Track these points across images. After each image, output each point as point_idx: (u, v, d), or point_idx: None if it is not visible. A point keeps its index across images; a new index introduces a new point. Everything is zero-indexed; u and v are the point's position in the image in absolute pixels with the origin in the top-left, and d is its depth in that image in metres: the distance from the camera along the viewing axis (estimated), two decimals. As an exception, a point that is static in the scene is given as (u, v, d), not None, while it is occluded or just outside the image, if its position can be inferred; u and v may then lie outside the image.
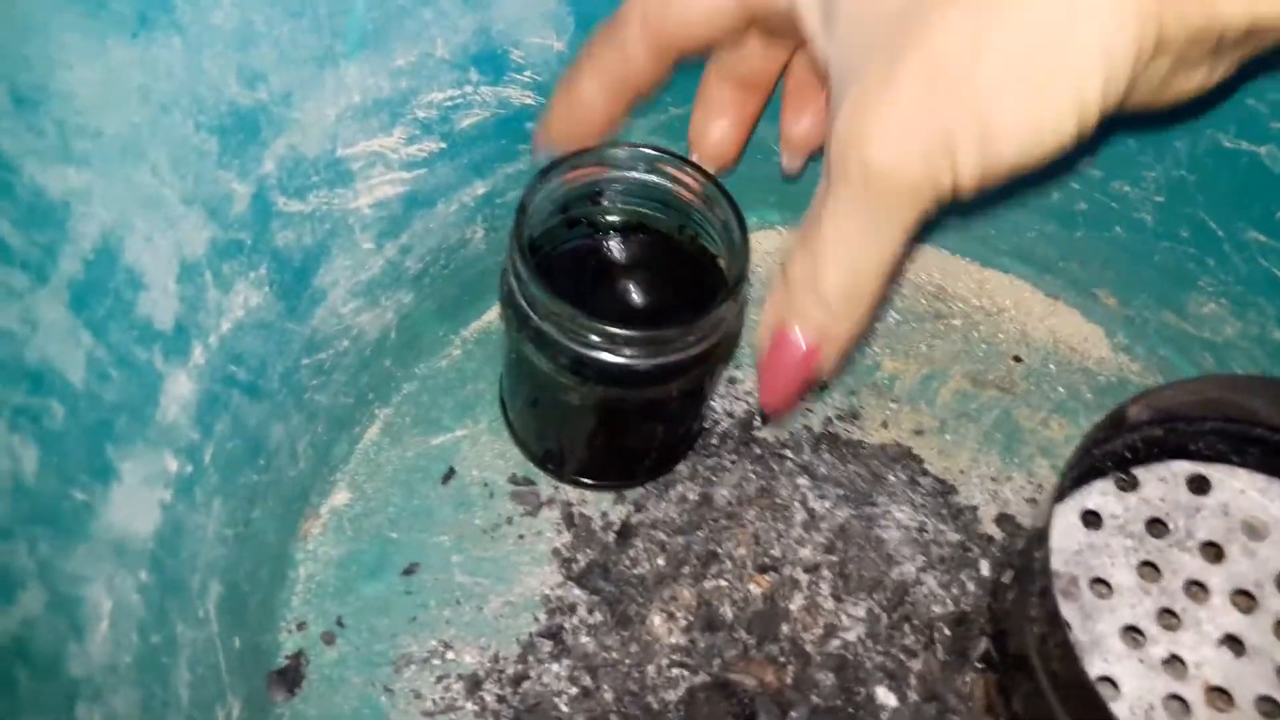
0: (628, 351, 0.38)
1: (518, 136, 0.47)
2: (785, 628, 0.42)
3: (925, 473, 0.49)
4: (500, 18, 0.43)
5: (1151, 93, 0.31)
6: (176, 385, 0.36)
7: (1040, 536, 0.39)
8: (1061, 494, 0.43)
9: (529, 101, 0.46)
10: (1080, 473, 0.45)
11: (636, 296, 0.44)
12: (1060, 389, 0.53)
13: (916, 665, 0.43)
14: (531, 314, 0.39)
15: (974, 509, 0.48)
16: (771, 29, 0.37)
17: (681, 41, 0.37)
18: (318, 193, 0.41)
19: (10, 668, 0.27)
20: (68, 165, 0.31)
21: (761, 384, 0.36)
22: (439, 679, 0.42)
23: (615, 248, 0.45)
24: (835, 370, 0.37)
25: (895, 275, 0.45)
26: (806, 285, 0.33)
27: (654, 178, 0.43)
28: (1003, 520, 0.48)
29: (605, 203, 0.44)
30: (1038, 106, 0.29)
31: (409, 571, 0.45)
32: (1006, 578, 0.44)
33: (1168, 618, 0.43)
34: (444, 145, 0.45)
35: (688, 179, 0.42)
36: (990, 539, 0.47)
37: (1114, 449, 0.45)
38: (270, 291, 0.40)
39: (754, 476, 0.46)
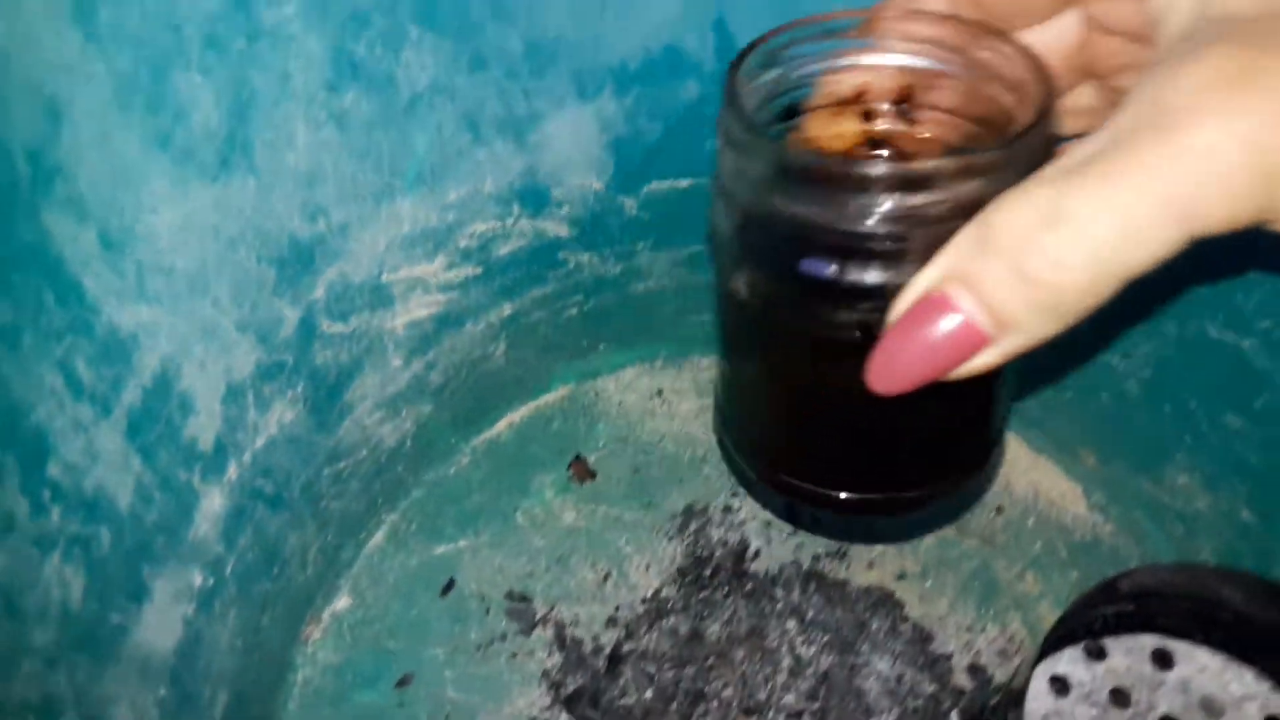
0: (889, 206, 0.25)
1: (548, 263, 0.49)
2: (766, 772, 0.44)
3: (905, 618, 0.51)
4: (548, 160, 0.45)
5: None
6: (210, 502, 0.37)
7: (1016, 699, 0.41)
8: (1039, 657, 0.45)
9: (563, 233, 0.48)
10: (1055, 638, 0.47)
11: None
12: (1038, 544, 0.55)
13: (886, 815, 0.44)
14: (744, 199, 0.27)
15: (949, 657, 0.50)
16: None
17: None
18: (359, 315, 0.42)
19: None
20: (141, 303, 0.32)
21: (884, 345, 0.26)
22: (425, 793, 0.43)
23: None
24: (976, 368, 0.25)
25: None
26: (1018, 252, 0.23)
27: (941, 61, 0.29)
28: (974, 670, 0.50)
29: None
30: None
31: (403, 683, 0.46)
32: (976, 733, 0.46)
33: (1127, 791, 0.45)
34: (479, 271, 0.47)
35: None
36: (961, 691, 0.49)
37: (1088, 618, 0.47)
38: (303, 408, 0.41)
39: (744, 616, 0.48)
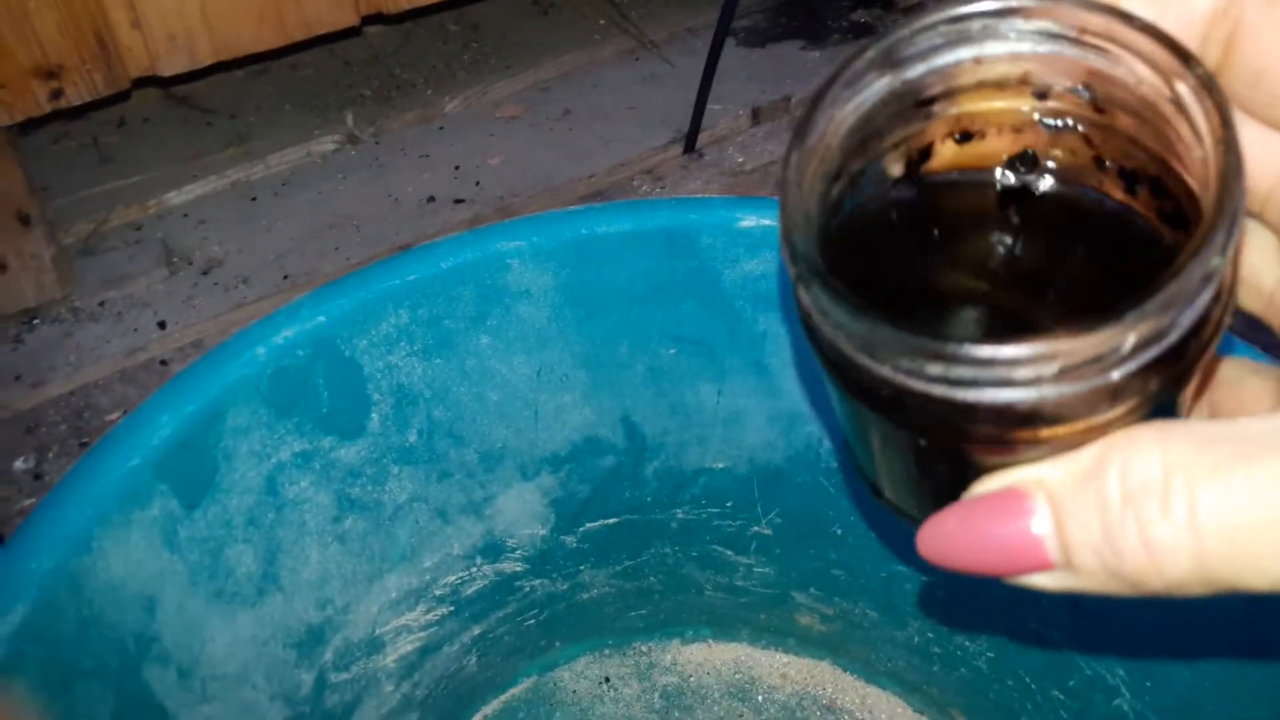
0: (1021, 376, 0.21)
1: (508, 592, 0.63)
2: None
3: None
4: (501, 522, 0.59)
5: None
6: (249, 831, 0.50)
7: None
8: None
9: (518, 569, 0.62)
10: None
11: (1025, 287, 0.26)
12: (921, 794, 0.67)
13: None
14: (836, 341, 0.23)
15: None
16: None
17: None
18: (359, 663, 0.56)
19: None
20: (204, 704, 0.46)
21: (947, 516, 0.24)
22: None
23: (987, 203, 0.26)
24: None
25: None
26: (1117, 512, 0.20)
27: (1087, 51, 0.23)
28: None
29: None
30: None
31: None
32: None
33: None
34: (452, 609, 0.60)
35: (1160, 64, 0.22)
36: None
37: None
38: (316, 742, 0.55)
39: None
